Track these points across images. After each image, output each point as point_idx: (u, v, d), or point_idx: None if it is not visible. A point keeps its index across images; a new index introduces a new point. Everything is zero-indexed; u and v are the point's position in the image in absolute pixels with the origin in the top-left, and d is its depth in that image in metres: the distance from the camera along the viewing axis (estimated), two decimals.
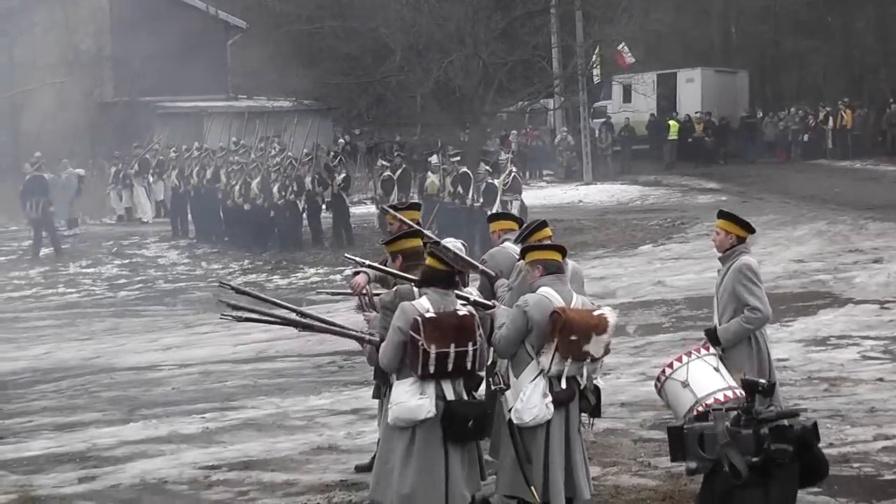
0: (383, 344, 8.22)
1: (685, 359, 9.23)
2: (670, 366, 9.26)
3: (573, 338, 8.30)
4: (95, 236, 33.55)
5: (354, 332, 9.18)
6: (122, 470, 11.71)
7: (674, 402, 9.24)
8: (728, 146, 47.68)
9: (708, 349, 9.29)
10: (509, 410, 8.34)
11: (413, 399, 8.06)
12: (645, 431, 12.28)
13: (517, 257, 9.54)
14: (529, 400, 8.28)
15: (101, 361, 17.57)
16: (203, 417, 13.97)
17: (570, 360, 8.36)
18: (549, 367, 8.32)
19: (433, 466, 8.07)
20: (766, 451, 6.33)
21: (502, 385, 8.39)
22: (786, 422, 6.39)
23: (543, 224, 10.12)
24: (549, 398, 8.36)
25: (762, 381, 6.57)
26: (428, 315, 8.02)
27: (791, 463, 6.34)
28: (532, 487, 8.33)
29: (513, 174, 30.08)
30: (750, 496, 6.39)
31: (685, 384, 9.09)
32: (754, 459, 6.37)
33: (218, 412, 14.25)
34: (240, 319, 9.41)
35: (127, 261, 30.17)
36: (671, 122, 47.21)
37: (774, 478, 6.34)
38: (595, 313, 8.48)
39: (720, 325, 9.51)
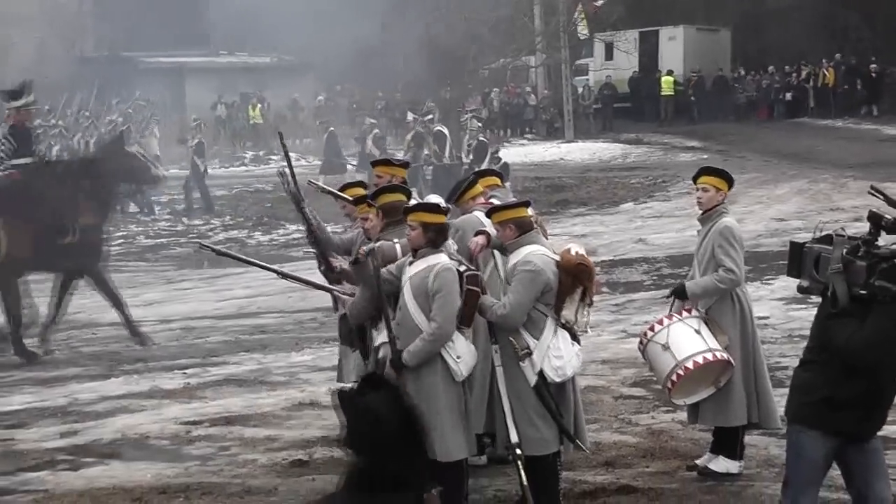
0: (447, 310, 7.99)
1: (666, 321, 9.25)
2: (652, 328, 9.28)
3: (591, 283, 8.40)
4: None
5: (333, 288, 9.24)
6: (103, 425, 11.70)
7: (655, 364, 9.28)
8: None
9: (690, 312, 9.31)
10: (538, 373, 8.30)
11: (472, 345, 8.20)
12: (626, 388, 12.32)
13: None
14: (566, 354, 8.30)
15: (83, 317, 17.53)
16: (185, 373, 13.98)
17: (591, 305, 8.47)
18: (576, 318, 8.34)
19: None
20: (871, 286, 6.32)
21: (527, 350, 8.28)
22: None
23: (474, 181, 10.01)
24: (577, 347, 8.42)
25: (889, 216, 6.45)
26: (469, 272, 8.16)
27: (892, 303, 6.31)
28: (575, 440, 8.46)
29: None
30: (844, 325, 6.38)
31: (666, 347, 9.12)
32: (862, 292, 6.35)
33: (199, 368, 14.27)
34: (219, 253, 9.51)
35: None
36: (664, 79, 46.86)
37: (873, 312, 6.32)
38: (584, 255, 8.56)
39: None
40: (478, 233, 8.85)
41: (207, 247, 10.24)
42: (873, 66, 43.60)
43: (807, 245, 6.64)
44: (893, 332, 6.34)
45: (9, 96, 15.94)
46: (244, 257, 10.44)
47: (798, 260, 6.67)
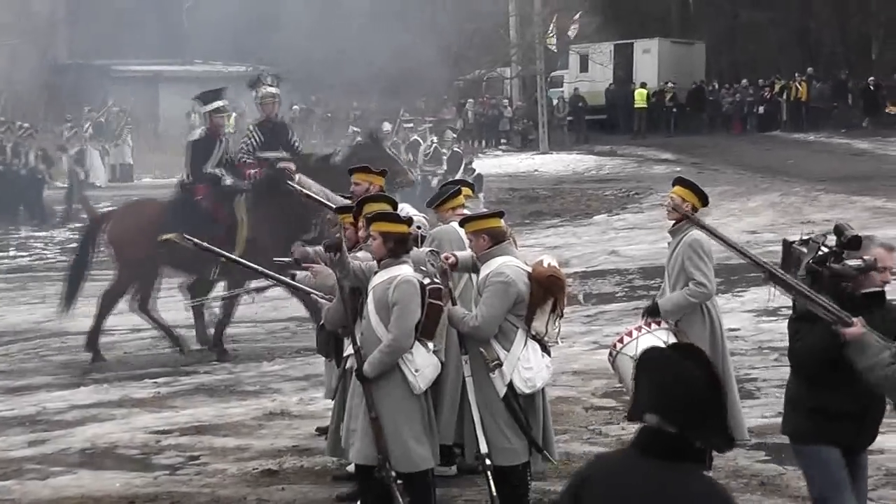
0: (403, 323, 7.95)
1: (635, 333, 9.23)
2: (621, 340, 9.27)
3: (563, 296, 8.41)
4: (48, 199, 33.25)
5: (311, 290, 9.24)
6: (72, 434, 11.65)
7: (624, 376, 9.25)
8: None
9: (659, 324, 9.30)
10: (507, 385, 8.28)
11: (433, 357, 8.12)
12: (597, 399, 12.34)
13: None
14: (535, 366, 8.30)
15: (53, 325, 17.43)
16: (155, 382, 13.94)
17: (561, 317, 8.48)
18: (546, 330, 8.34)
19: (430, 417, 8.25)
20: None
21: (497, 361, 8.26)
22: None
23: (458, 191, 9.96)
24: (548, 359, 8.43)
25: (851, 231, 6.57)
26: (432, 285, 8.10)
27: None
28: (543, 451, 8.45)
29: (433, 145, 29.92)
30: (797, 329, 6.58)
31: (634, 359, 9.11)
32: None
33: (170, 377, 14.23)
34: (201, 247, 9.53)
35: (79, 224, 29.90)
36: (637, 91, 46.86)
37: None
38: (556, 267, 8.57)
39: None
40: (446, 258, 8.82)
41: (189, 239, 10.18)
42: (871, 78, 43.62)
43: (793, 245, 6.78)
44: (838, 342, 6.42)
45: (251, 85, 15.80)
46: (224, 253, 10.45)
47: (788, 257, 6.83)
